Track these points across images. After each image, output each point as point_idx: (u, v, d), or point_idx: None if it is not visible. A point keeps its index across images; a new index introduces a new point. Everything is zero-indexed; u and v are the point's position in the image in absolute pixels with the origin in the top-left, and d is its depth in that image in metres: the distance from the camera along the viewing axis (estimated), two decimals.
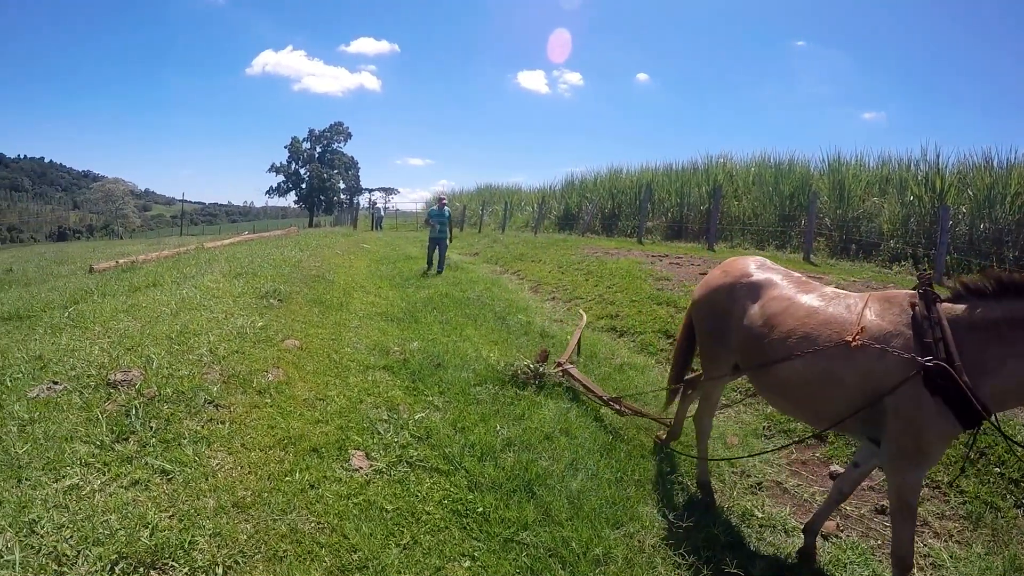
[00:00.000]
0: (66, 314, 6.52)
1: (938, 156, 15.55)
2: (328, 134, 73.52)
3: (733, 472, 4.85)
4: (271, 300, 7.55)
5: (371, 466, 4.22)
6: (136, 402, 4.18)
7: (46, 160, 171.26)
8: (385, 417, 4.96)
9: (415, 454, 4.45)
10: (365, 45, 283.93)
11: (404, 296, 10.35)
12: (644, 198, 20.61)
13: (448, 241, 14.97)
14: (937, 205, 13.17)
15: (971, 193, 13.63)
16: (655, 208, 21.74)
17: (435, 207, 15.23)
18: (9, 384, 4.36)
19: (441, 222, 14.64)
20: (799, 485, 4.71)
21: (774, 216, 17.65)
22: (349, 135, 75.06)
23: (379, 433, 4.66)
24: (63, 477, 3.33)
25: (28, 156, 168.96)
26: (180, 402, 4.33)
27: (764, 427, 5.68)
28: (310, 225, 57.33)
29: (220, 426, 4.18)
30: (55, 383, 4.35)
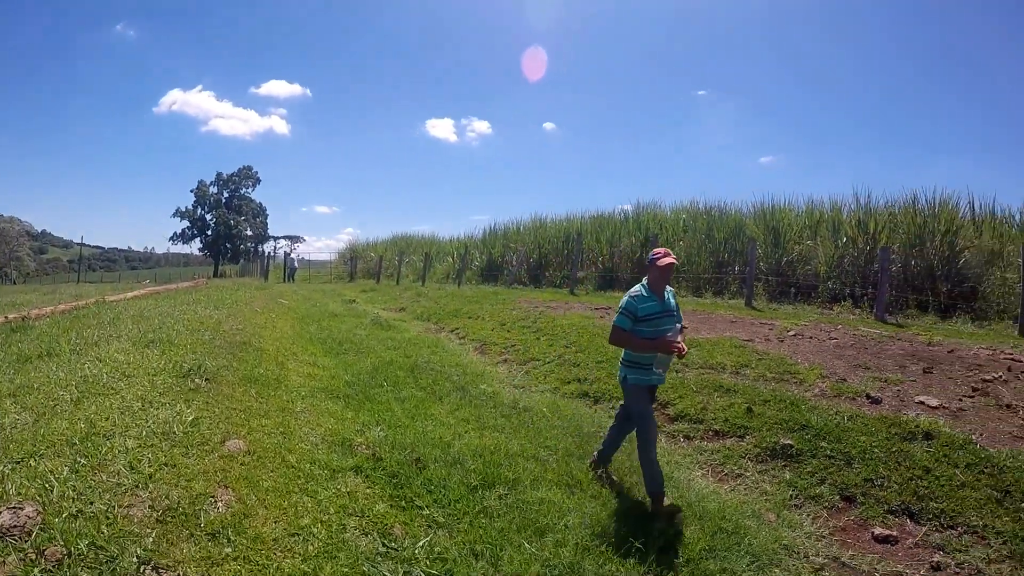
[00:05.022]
0: None
1: (869, 197, 16.56)
2: (236, 178, 71.28)
3: (791, 556, 4.37)
4: (196, 379, 6.09)
5: None
6: (35, 571, 2.76)
7: None
8: (382, 550, 3.77)
9: None
10: (276, 87, 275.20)
11: (344, 364, 9.12)
12: (576, 248, 20.27)
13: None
14: (871, 245, 14.18)
15: (902, 233, 14.51)
16: (584, 257, 21.41)
17: (645, 293, 4.87)
18: None
19: (673, 327, 4.81)
20: (854, 556, 4.41)
21: (709, 262, 17.92)
22: (258, 180, 73.32)
23: None
24: None
25: None
26: (102, 567, 2.90)
27: (791, 495, 5.24)
28: (215, 274, 54.33)
29: None
30: None
